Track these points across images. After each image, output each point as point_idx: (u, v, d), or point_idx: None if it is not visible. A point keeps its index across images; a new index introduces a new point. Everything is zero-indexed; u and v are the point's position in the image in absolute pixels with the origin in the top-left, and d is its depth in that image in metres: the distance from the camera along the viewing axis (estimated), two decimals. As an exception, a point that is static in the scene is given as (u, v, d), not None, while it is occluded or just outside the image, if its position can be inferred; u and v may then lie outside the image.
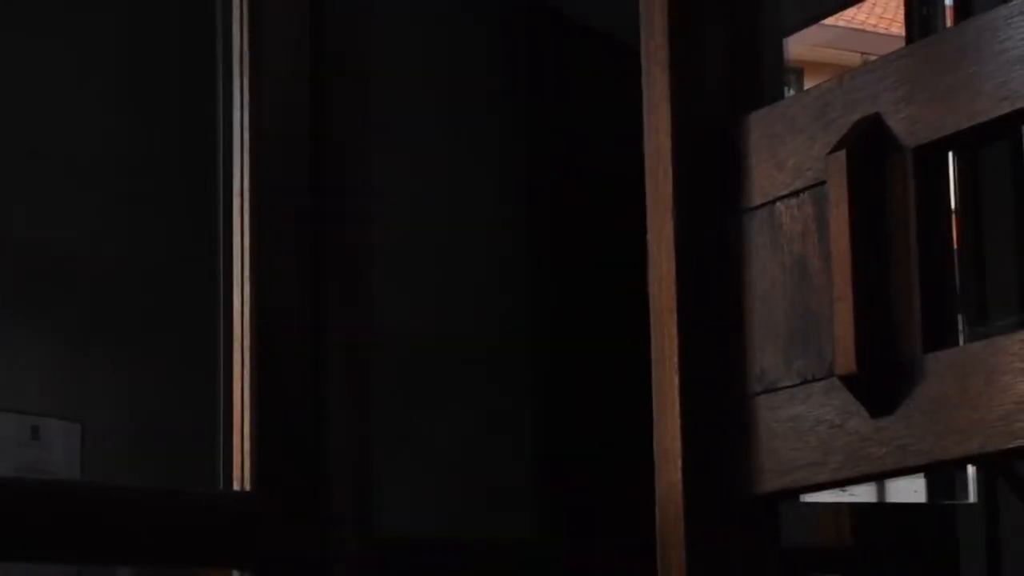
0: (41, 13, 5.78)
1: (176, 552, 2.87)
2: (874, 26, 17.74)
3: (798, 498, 3.86)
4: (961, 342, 2.14)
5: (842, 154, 2.18)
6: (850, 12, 15.50)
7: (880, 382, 2.14)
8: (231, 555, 2.93)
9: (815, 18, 6.04)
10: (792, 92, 6.07)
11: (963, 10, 4.68)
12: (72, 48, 5.83)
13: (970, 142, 2.23)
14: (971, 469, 4.82)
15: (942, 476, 5.26)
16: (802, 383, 2.26)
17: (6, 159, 5.94)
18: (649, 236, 2.41)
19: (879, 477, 2.20)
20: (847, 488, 2.40)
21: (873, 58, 2.30)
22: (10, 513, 2.60)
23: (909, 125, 2.16)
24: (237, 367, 2.99)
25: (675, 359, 2.36)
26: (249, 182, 3.02)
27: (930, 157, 2.15)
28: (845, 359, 2.15)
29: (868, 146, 2.18)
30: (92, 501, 2.73)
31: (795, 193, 2.29)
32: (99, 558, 2.89)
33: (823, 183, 2.23)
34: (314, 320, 3.01)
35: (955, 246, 4.42)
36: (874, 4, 16.95)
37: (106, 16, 5.72)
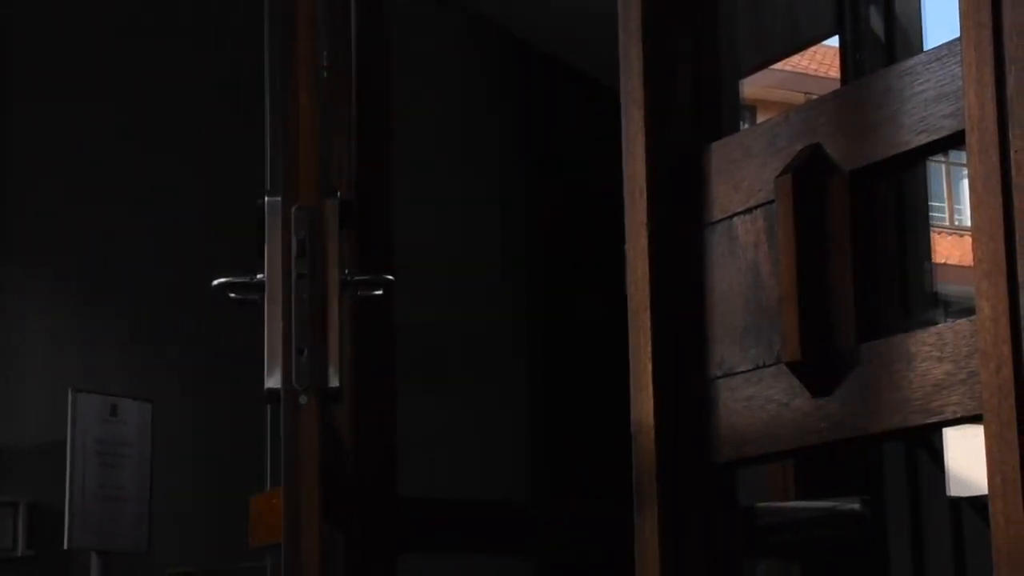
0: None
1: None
2: (815, 70, 17.74)
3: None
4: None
5: (788, 177, 2.18)
6: (795, 59, 15.49)
7: (820, 368, 2.14)
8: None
9: (765, 63, 6.04)
10: (747, 125, 6.07)
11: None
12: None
13: (896, 167, 2.23)
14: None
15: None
16: (755, 369, 2.26)
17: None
18: (627, 246, 2.41)
19: (820, 449, 2.19)
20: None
21: (814, 97, 2.29)
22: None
23: (844, 153, 2.16)
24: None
25: (649, 349, 2.35)
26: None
27: (862, 180, 2.16)
28: (791, 348, 2.15)
29: (810, 170, 2.17)
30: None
31: (749, 210, 2.29)
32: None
33: (773, 201, 2.23)
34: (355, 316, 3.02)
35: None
36: (815, 52, 16.95)
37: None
